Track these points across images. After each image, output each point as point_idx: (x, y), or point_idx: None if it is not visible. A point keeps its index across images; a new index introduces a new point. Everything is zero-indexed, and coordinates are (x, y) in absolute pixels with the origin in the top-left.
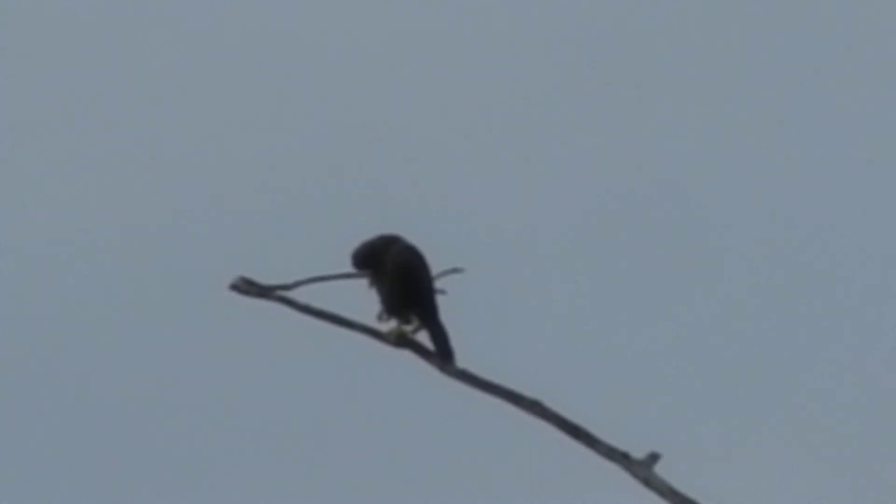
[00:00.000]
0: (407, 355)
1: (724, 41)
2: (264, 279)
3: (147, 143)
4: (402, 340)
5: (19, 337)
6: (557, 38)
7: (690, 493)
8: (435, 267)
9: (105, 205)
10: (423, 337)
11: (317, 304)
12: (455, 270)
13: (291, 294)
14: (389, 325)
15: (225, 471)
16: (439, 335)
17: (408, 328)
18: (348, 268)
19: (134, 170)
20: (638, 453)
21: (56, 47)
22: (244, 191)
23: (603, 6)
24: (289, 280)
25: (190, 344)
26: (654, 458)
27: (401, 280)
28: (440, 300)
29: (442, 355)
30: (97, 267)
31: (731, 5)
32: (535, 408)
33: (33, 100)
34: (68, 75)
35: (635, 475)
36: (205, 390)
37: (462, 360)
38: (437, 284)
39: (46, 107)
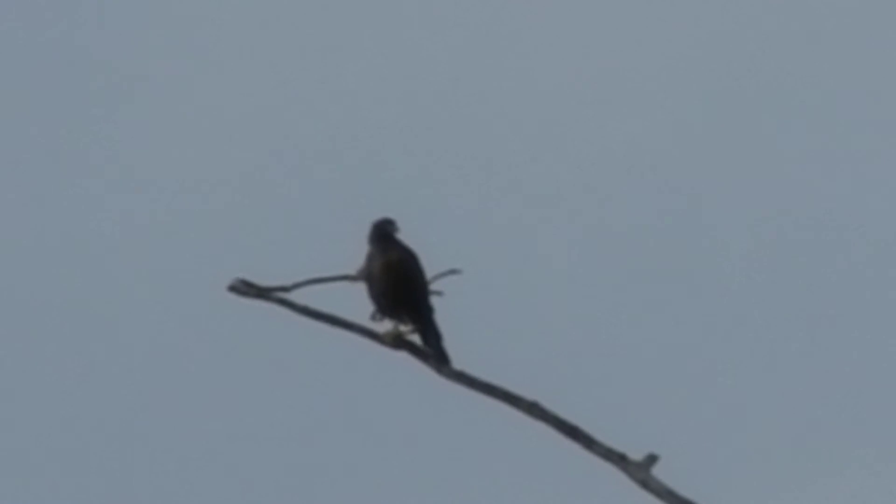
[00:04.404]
0: (404, 357)
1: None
2: (263, 280)
3: (146, 143)
4: (398, 342)
5: (16, 338)
6: (550, 37)
7: (688, 495)
8: (433, 269)
9: (103, 205)
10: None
11: (315, 305)
12: (453, 272)
13: (290, 295)
14: (386, 327)
15: (223, 471)
16: (432, 337)
17: (404, 329)
18: (347, 269)
19: (133, 171)
20: (636, 455)
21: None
22: (244, 192)
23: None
24: (287, 282)
25: (188, 345)
26: (651, 459)
27: (391, 280)
28: (438, 301)
29: (437, 357)
30: (96, 267)
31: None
32: (532, 409)
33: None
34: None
35: (633, 477)
36: (203, 391)
37: (460, 362)
38: (435, 286)
39: (40, 112)
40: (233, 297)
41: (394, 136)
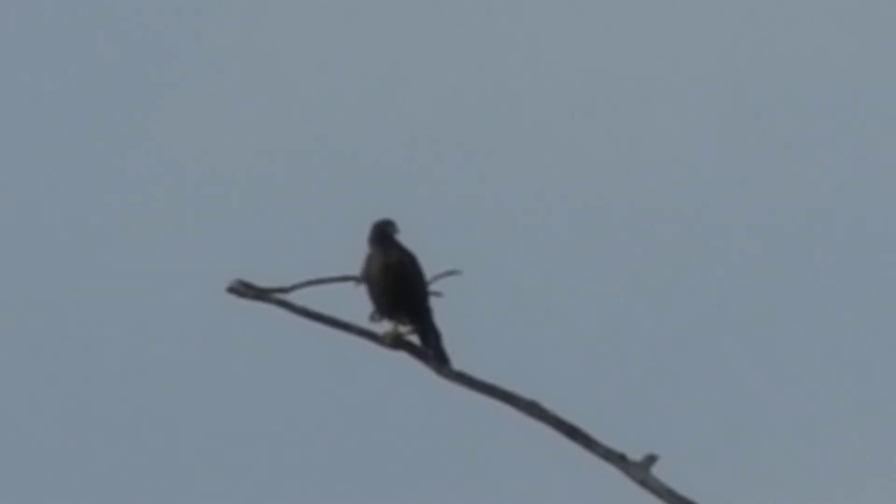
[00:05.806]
0: (404, 357)
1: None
2: (262, 282)
3: (145, 143)
4: (398, 342)
5: (14, 337)
6: (551, 37)
7: (687, 494)
8: (433, 270)
9: (102, 205)
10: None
11: (314, 306)
12: (452, 273)
13: (289, 297)
14: (385, 327)
15: (223, 472)
16: (432, 337)
17: (404, 330)
18: (346, 270)
19: (132, 171)
20: (635, 455)
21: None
22: (243, 192)
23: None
24: (286, 283)
25: (187, 346)
26: (651, 459)
27: (390, 281)
28: (437, 302)
29: (436, 357)
30: (95, 267)
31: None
32: (532, 409)
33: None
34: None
35: (632, 477)
36: (202, 392)
37: (459, 362)
38: (435, 287)
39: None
40: (231, 298)
41: (394, 136)
